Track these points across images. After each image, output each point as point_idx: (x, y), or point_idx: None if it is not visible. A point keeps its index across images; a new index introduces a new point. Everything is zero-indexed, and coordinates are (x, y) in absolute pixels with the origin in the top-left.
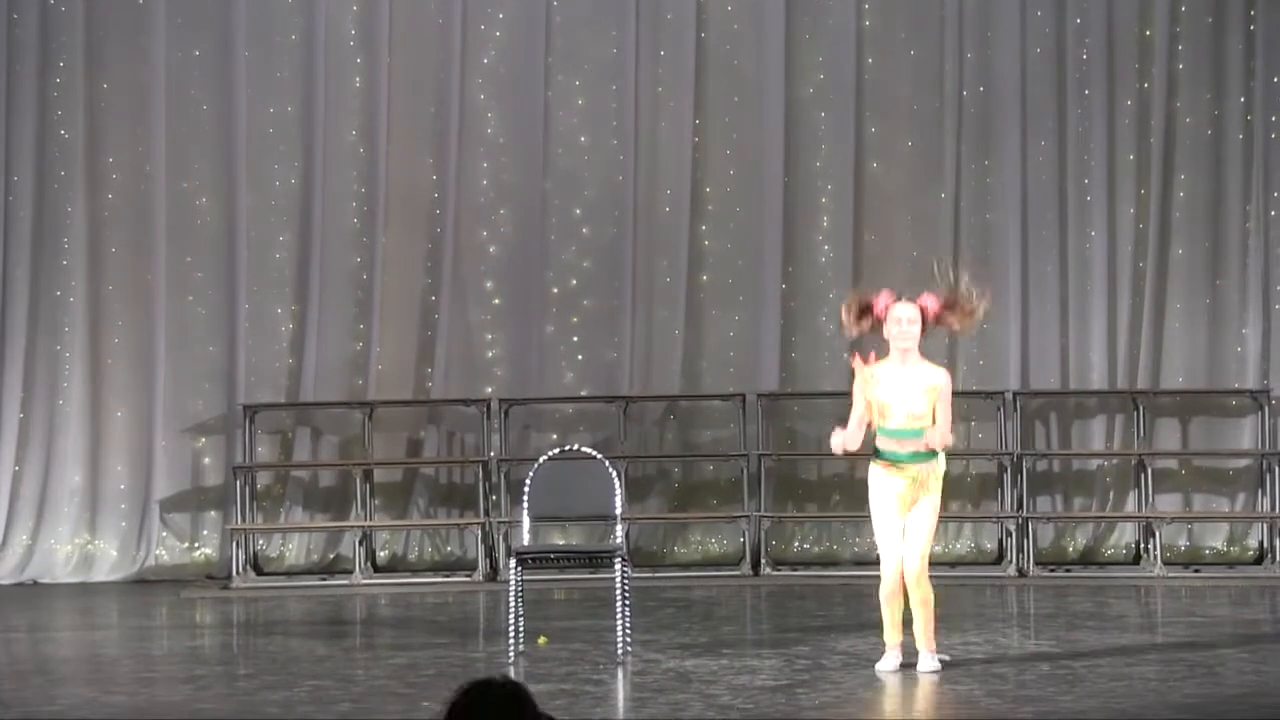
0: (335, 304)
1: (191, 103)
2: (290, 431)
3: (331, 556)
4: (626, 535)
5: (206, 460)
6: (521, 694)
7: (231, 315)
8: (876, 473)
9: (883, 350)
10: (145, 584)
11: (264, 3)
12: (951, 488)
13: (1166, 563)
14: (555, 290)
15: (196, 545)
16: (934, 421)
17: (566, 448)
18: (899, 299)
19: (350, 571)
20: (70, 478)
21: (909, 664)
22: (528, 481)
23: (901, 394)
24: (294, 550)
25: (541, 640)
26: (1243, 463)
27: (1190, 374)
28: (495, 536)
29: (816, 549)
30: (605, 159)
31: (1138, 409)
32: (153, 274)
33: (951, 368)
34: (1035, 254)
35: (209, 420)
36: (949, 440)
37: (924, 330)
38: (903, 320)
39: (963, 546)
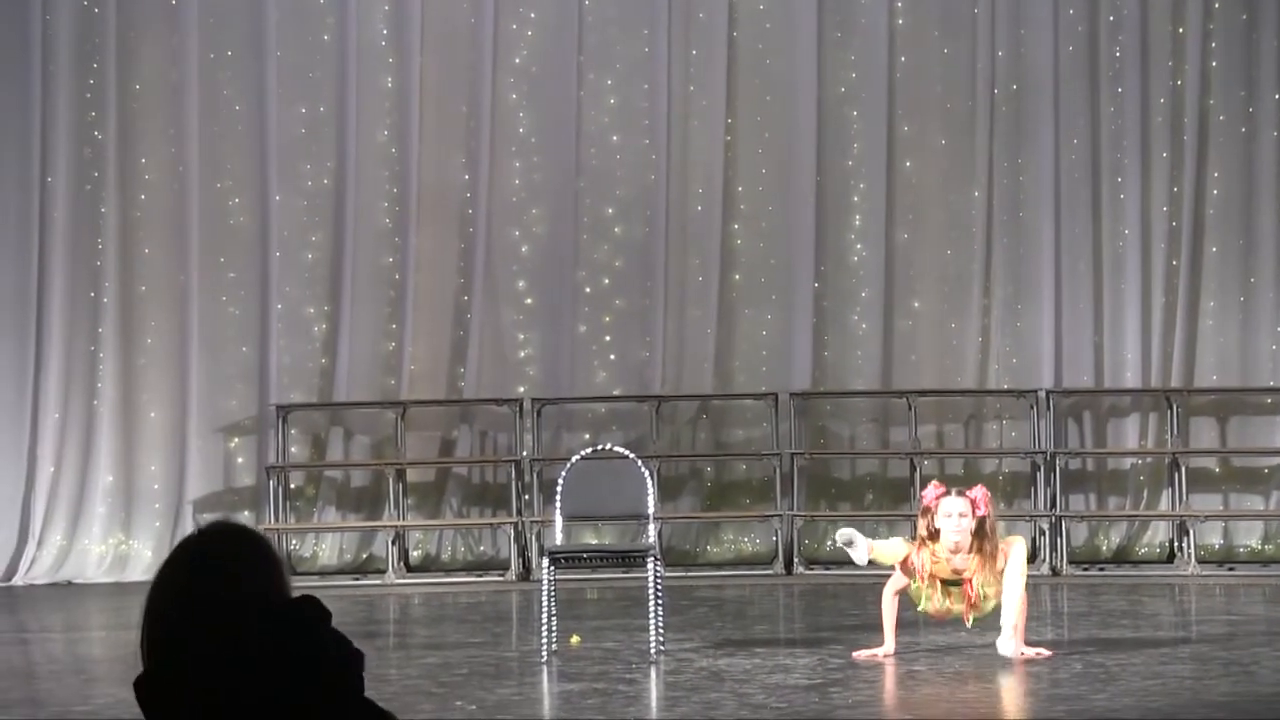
0: (368, 304)
1: (224, 103)
2: (323, 431)
3: (364, 556)
4: (659, 534)
5: (239, 460)
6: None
7: (264, 315)
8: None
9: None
10: None
11: (296, 3)
12: (985, 487)
13: (1200, 561)
14: (587, 289)
15: None
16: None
17: (599, 447)
18: (948, 492)
19: (383, 571)
20: (104, 478)
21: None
22: (560, 481)
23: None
24: (327, 550)
25: (574, 639)
26: (1277, 461)
27: (1224, 372)
28: (528, 536)
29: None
30: (637, 158)
31: (1171, 407)
32: (186, 274)
33: (984, 366)
34: (1068, 252)
35: (242, 420)
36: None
37: (976, 531)
38: (954, 514)
39: None
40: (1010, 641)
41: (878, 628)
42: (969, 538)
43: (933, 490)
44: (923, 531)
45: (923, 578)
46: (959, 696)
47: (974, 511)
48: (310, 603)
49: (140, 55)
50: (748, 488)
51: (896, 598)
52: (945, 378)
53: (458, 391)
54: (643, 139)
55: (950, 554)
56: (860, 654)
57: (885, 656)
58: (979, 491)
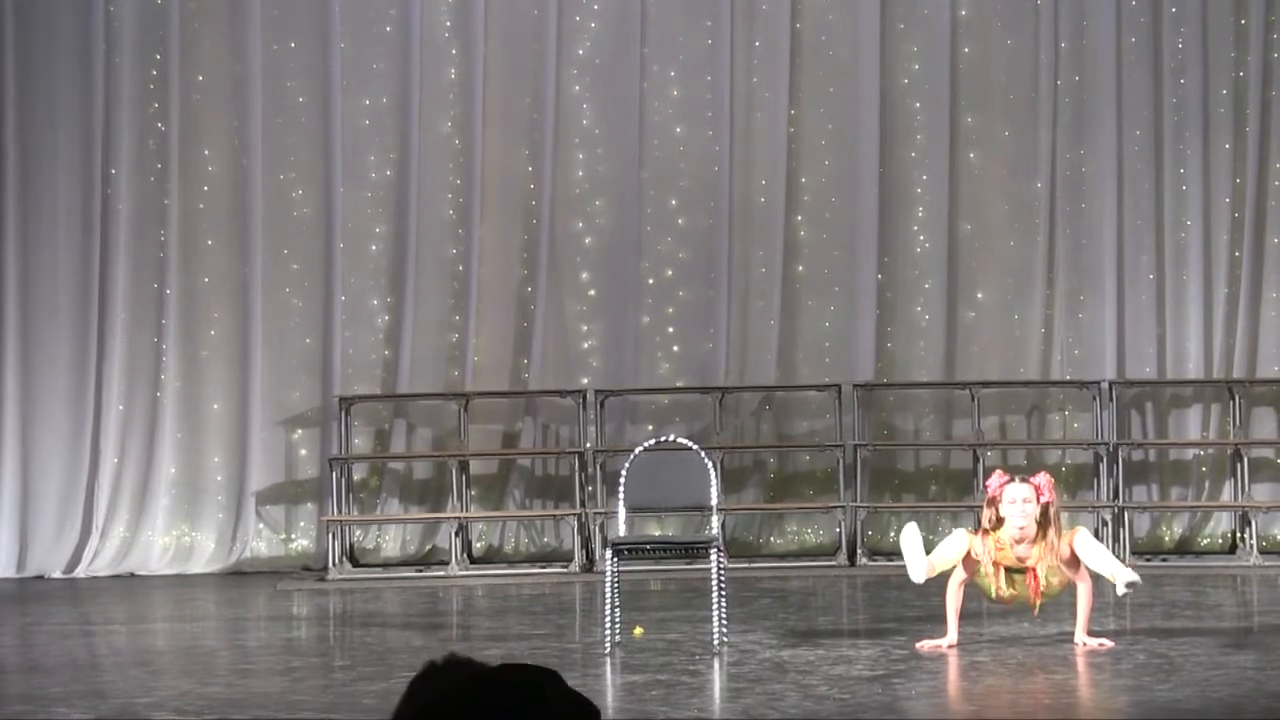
0: (431, 295)
1: (287, 95)
2: (386, 423)
3: (428, 548)
4: (722, 526)
5: (303, 452)
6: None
7: (327, 307)
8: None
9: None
10: (241, 576)
11: None
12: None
13: (1263, 552)
14: (651, 281)
15: (292, 537)
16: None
17: (662, 439)
18: (1012, 480)
19: (446, 563)
20: (167, 469)
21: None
22: (623, 472)
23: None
24: (390, 542)
25: (637, 631)
26: None
27: None
28: (591, 527)
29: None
30: (700, 149)
31: (1234, 398)
32: (249, 266)
33: (1047, 357)
34: (1131, 243)
35: (305, 412)
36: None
37: (1040, 517)
38: (1018, 500)
39: None
40: (1126, 573)
41: (941, 618)
42: (1034, 525)
43: (997, 479)
44: (986, 523)
45: (987, 567)
46: (1022, 688)
47: (1038, 498)
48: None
49: (203, 47)
50: (811, 479)
51: (961, 589)
52: (1008, 369)
53: (521, 383)
54: (706, 130)
55: (1014, 542)
56: (924, 645)
57: (949, 647)
58: (1043, 478)
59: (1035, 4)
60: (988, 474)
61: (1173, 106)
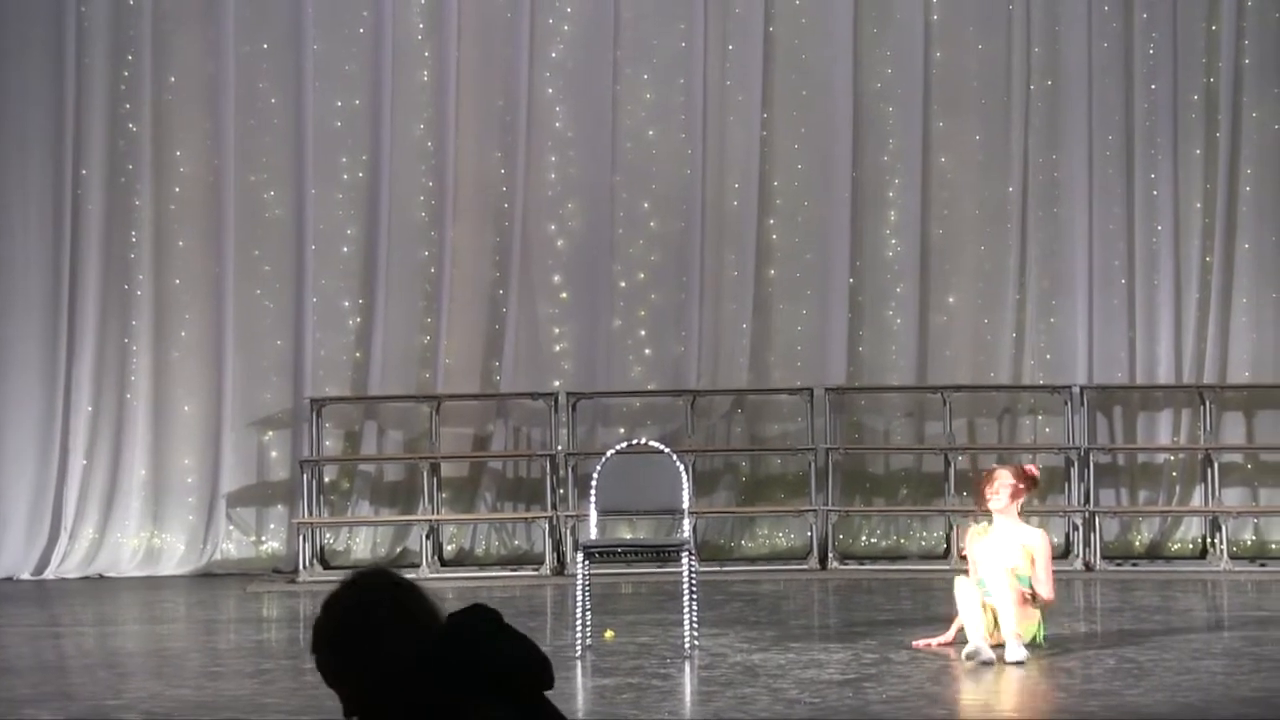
0: (403, 297)
1: (260, 95)
2: (357, 425)
3: (398, 550)
4: (694, 529)
5: (273, 454)
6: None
7: (299, 308)
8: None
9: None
10: (212, 578)
11: None
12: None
13: (1233, 557)
14: (623, 284)
15: (263, 539)
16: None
17: (634, 441)
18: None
19: (417, 565)
20: (137, 471)
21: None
22: (595, 475)
23: (997, 551)
24: (361, 544)
25: (608, 634)
26: None
27: (1257, 368)
28: (562, 530)
29: (884, 543)
30: (673, 153)
31: (1204, 403)
32: (220, 267)
33: (1018, 361)
34: (1102, 248)
35: (276, 414)
36: (1048, 595)
37: (1015, 496)
38: (994, 481)
39: None
40: (1016, 648)
41: (913, 623)
42: (1005, 500)
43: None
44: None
45: (970, 551)
46: (993, 692)
47: (1016, 483)
48: (476, 613)
49: (176, 47)
50: (782, 482)
51: (971, 595)
52: (979, 373)
53: (493, 385)
54: (679, 134)
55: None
56: (919, 643)
57: (939, 645)
58: (1026, 469)
59: (1008, 9)
60: (959, 478)
61: (1144, 112)
